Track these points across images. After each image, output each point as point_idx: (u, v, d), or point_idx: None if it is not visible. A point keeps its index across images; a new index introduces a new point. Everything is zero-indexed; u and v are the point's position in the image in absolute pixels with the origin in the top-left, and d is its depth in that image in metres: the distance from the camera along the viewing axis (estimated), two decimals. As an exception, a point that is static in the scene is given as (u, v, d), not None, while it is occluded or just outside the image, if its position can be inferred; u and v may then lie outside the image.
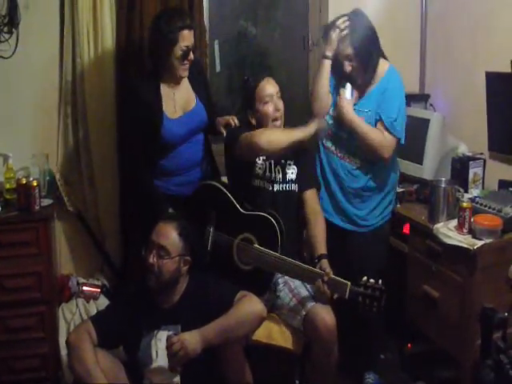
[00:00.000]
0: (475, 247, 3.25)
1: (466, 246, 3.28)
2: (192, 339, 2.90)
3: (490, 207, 3.49)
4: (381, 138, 3.48)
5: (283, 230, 3.31)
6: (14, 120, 4.00)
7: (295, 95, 4.65)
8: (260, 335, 3.28)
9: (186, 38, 3.44)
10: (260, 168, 3.52)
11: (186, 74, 3.55)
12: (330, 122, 3.65)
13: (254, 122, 3.53)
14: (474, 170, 3.87)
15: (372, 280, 3.03)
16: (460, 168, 3.89)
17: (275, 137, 3.33)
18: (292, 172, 3.53)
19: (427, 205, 3.70)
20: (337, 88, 3.61)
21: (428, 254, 3.58)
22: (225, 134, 3.63)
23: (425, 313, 3.65)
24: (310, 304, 3.23)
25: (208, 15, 4.35)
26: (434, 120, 3.96)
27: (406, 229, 3.83)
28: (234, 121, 3.64)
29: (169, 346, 2.88)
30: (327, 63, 3.59)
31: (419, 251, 3.68)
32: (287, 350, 3.32)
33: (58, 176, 3.96)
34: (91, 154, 4.02)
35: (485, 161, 3.93)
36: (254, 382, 3.21)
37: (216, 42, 4.49)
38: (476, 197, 3.67)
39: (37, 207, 3.72)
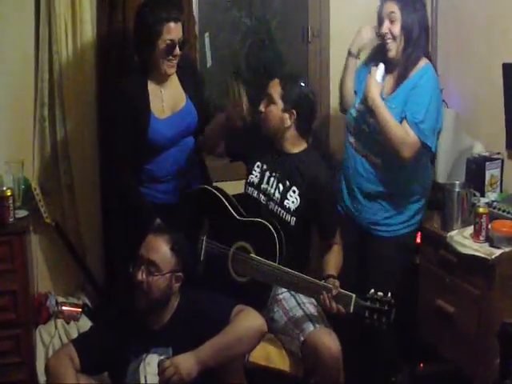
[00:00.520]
0: (493, 256, 3.26)
1: (482, 255, 3.30)
2: (186, 362, 2.86)
3: (508, 212, 3.52)
4: (403, 134, 3.43)
5: (282, 239, 3.30)
6: (-15, 123, 4.00)
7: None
8: (258, 357, 3.29)
9: (172, 30, 3.43)
10: (256, 176, 3.54)
11: (172, 71, 3.55)
12: (354, 115, 3.69)
13: None
14: (491, 172, 3.88)
15: (380, 293, 3.00)
16: (476, 169, 3.90)
17: None
18: (293, 201, 3.43)
19: (440, 211, 3.72)
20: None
21: (441, 264, 3.61)
22: None
23: (438, 329, 3.67)
24: (309, 328, 3.21)
25: (197, 5, 4.35)
26: (447, 117, 3.93)
27: (418, 237, 3.84)
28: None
29: (161, 372, 2.84)
30: (352, 62, 3.71)
31: (432, 262, 3.71)
32: (287, 374, 3.33)
33: (33, 185, 3.96)
34: (70, 161, 4.03)
35: (503, 161, 3.94)
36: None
37: (206, 34, 4.48)
38: (493, 201, 3.70)
39: (11, 219, 3.72)
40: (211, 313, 3.04)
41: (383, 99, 3.52)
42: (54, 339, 3.83)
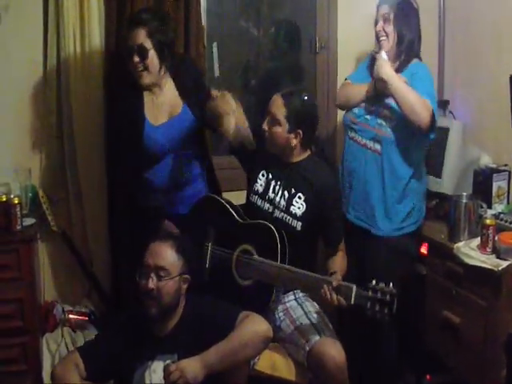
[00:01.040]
0: (500, 268, 3.26)
1: (489, 266, 3.29)
2: (192, 366, 2.86)
3: (515, 224, 3.52)
4: (422, 101, 3.54)
5: (284, 238, 3.32)
6: (-7, 131, 4.02)
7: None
8: (263, 366, 3.30)
9: (131, 36, 3.43)
10: (261, 185, 3.56)
11: (145, 81, 3.51)
12: (356, 111, 3.83)
13: None
14: (498, 184, 3.88)
15: (382, 284, 2.97)
16: (483, 181, 3.91)
17: None
18: (299, 207, 3.46)
19: (447, 222, 3.73)
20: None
21: (448, 276, 3.61)
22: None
23: (445, 340, 3.66)
24: (315, 338, 3.21)
25: (206, 15, 4.36)
26: (453, 129, 3.99)
27: (424, 249, 3.85)
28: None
29: (166, 376, 2.84)
30: None
31: (438, 273, 3.71)
32: (292, 383, 3.33)
33: (41, 192, 3.98)
34: (78, 169, 4.04)
35: (510, 173, 3.94)
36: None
37: (214, 44, 4.51)
38: (500, 213, 3.69)
39: (18, 227, 3.73)
40: (216, 319, 3.05)
41: None
42: (60, 347, 3.84)
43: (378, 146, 3.71)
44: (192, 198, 3.68)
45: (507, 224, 3.55)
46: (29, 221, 3.86)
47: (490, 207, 3.82)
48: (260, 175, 3.58)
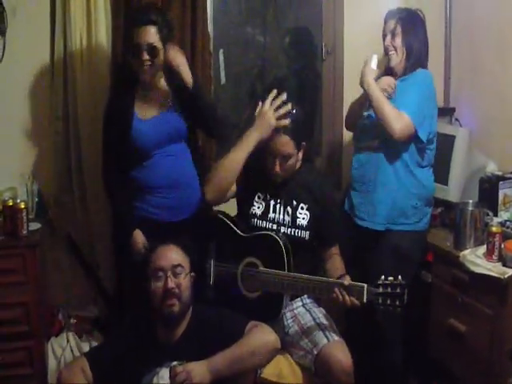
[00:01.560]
0: (506, 276, 3.24)
1: (495, 274, 3.28)
2: (199, 370, 2.87)
3: (522, 232, 3.51)
4: (396, 112, 3.58)
5: (288, 247, 3.32)
6: (1, 135, 4.02)
7: (307, 110, 4.70)
8: (269, 373, 3.28)
9: (140, 34, 3.41)
10: (258, 207, 3.52)
11: (146, 77, 3.50)
12: (365, 121, 3.86)
13: None
14: (505, 191, 3.85)
15: (390, 278, 3.02)
16: (489, 189, 3.88)
17: (221, 180, 3.45)
18: (303, 217, 3.47)
19: (453, 230, 3.72)
20: None
21: (454, 283, 3.60)
22: None
23: (450, 348, 3.65)
24: (323, 342, 3.22)
25: (212, 22, 4.38)
26: (459, 136, 3.99)
27: (430, 256, 3.84)
28: None
29: (172, 377, 2.85)
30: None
31: (444, 281, 3.70)
32: (299, 390, 3.33)
33: (47, 197, 4.00)
34: (84, 173, 4.05)
35: (516, 181, 3.93)
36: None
37: (221, 51, 4.53)
38: (507, 221, 3.67)
39: (24, 231, 3.73)
40: (224, 328, 3.05)
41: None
42: (65, 352, 3.85)
43: (375, 142, 3.75)
44: (186, 205, 3.65)
45: (513, 232, 3.53)
46: (35, 226, 3.86)
47: (496, 215, 3.80)
48: (256, 198, 3.53)
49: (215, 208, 3.70)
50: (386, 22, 3.81)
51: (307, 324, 3.38)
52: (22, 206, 3.72)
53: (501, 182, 3.86)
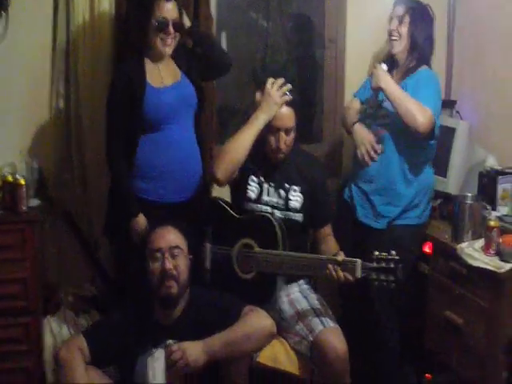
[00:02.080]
0: (503, 270, 3.25)
1: (492, 268, 3.29)
2: (194, 349, 2.90)
3: (519, 227, 3.52)
4: (419, 105, 3.56)
5: (283, 226, 3.34)
6: (1, 111, 3.99)
7: (308, 96, 4.69)
8: (265, 358, 3.31)
9: (164, 8, 3.43)
10: (253, 190, 3.52)
11: (168, 50, 3.51)
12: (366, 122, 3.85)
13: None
14: (503, 186, 3.85)
15: (384, 253, 3.05)
16: (488, 183, 3.88)
17: (232, 160, 3.43)
18: (297, 200, 3.49)
19: (451, 222, 3.73)
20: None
21: (451, 276, 3.61)
22: None
23: (446, 340, 3.66)
24: (318, 329, 3.24)
25: (215, 4, 4.34)
26: (460, 129, 4.00)
27: (428, 248, 3.84)
28: None
29: (167, 355, 2.89)
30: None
31: (441, 273, 3.71)
32: (295, 376, 3.34)
33: (47, 174, 3.98)
34: (83, 151, 4.03)
35: (515, 176, 3.94)
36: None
37: (223, 34, 4.51)
38: (505, 215, 3.69)
39: (23, 208, 3.71)
40: (221, 310, 3.08)
41: None
42: (62, 329, 3.82)
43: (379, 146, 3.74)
44: (188, 182, 3.62)
45: (511, 227, 3.53)
46: (34, 202, 3.84)
47: (494, 209, 3.79)
48: (249, 181, 3.53)
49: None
50: (394, 7, 3.78)
51: (303, 309, 3.39)
52: (22, 182, 3.70)
53: (500, 177, 3.86)
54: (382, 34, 3.88)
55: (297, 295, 3.49)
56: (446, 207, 3.94)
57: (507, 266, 3.27)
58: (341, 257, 3.13)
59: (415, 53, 3.74)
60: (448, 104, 4.46)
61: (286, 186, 3.49)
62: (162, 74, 3.57)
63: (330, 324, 3.28)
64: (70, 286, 4.09)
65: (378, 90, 3.69)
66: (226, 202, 3.57)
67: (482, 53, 4.41)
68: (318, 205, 3.54)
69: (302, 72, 4.82)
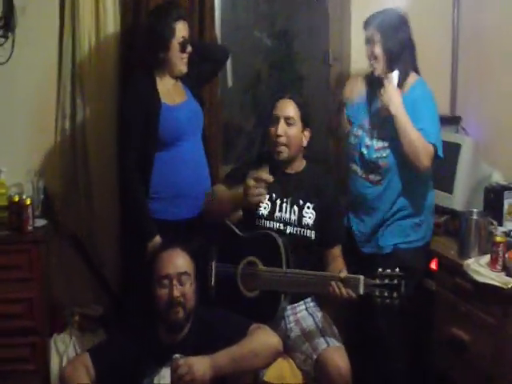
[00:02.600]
0: (509, 286, 3.21)
1: (499, 284, 3.26)
2: (201, 364, 2.85)
3: (526, 242, 3.49)
4: (423, 142, 3.48)
5: (287, 245, 3.32)
6: (8, 131, 4.03)
7: (314, 113, 4.68)
8: (271, 376, 3.27)
9: (182, 28, 3.56)
10: (265, 208, 3.49)
11: (185, 68, 3.64)
12: (354, 142, 3.76)
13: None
14: (510, 201, 3.82)
15: (388, 270, 3.01)
16: (494, 198, 3.85)
17: None
18: (310, 217, 3.47)
19: (457, 238, 3.70)
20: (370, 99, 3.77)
21: (457, 292, 3.58)
22: None
23: (453, 358, 3.62)
24: (322, 347, 3.22)
25: (220, 24, 4.37)
26: (465, 145, 3.97)
27: (434, 264, 3.82)
28: None
29: (174, 370, 2.84)
30: None
31: (448, 289, 3.68)
32: (300, 393, 3.32)
33: (53, 195, 3.99)
34: (90, 171, 4.04)
35: (521, 191, 3.92)
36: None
37: (228, 54, 4.52)
38: (511, 230, 3.66)
39: (29, 227, 3.73)
40: (227, 329, 3.05)
41: None
42: (68, 349, 3.83)
43: (378, 178, 3.66)
44: (199, 198, 3.61)
45: (518, 242, 3.52)
46: (40, 222, 3.85)
47: (500, 224, 3.76)
48: None
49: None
50: (365, 30, 3.68)
51: (309, 328, 3.38)
52: (28, 202, 3.73)
53: (506, 192, 3.83)
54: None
55: (303, 314, 3.47)
56: (452, 223, 3.92)
57: (514, 282, 3.25)
58: (343, 274, 3.11)
59: (397, 65, 3.59)
60: (453, 120, 4.46)
61: (301, 202, 3.48)
62: (171, 93, 3.64)
63: (335, 343, 3.26)
64: (77, 305, 4.10)
65: (386, 113, 3.57)
66: (230, 220, 3.55)
67: (486, 69, 4.39)
68: (330, 223, 3.51)
69: (306, 90, 4.82)
